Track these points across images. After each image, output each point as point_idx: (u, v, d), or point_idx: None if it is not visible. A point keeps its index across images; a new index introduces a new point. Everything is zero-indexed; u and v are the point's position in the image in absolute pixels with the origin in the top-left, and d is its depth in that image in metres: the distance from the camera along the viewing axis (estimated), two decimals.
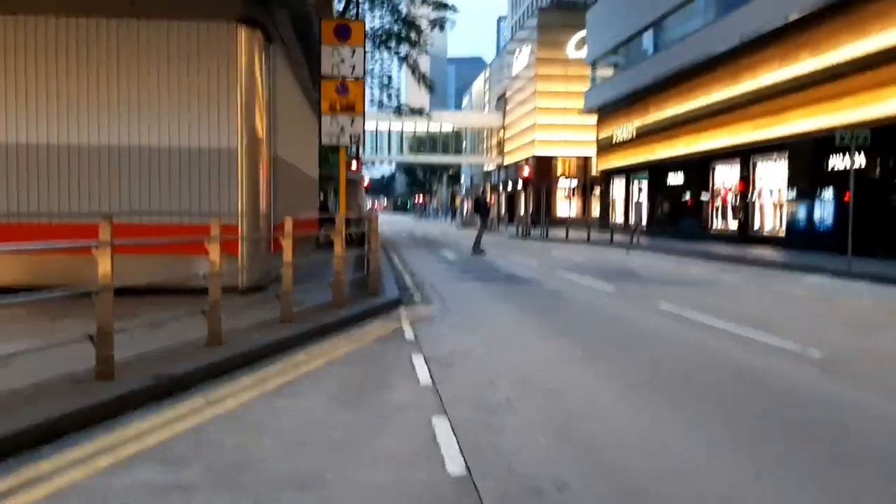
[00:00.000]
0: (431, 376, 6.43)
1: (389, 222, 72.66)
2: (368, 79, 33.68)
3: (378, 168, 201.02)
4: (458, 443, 4.62)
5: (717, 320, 9.57)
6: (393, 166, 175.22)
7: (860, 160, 21.11)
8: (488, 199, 27.11)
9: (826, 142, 23.81)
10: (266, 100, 11.14)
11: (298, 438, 4.74)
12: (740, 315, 10.41)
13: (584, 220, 45.73)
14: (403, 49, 32.84)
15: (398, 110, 35.58)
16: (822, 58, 25.00)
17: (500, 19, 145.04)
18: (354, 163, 38.79)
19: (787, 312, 11.02)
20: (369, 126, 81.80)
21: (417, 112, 35.82)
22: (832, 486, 4.02)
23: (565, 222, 45.55)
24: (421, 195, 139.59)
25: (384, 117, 78.12)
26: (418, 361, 7.01)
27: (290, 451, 4.51)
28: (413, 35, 32.12)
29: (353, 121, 10.95)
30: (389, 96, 35.37)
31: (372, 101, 37.20)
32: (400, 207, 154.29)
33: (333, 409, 5.46)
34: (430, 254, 24.14)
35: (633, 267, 19.18)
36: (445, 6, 33.05)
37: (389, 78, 34.73)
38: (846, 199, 24.23)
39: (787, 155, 28.00)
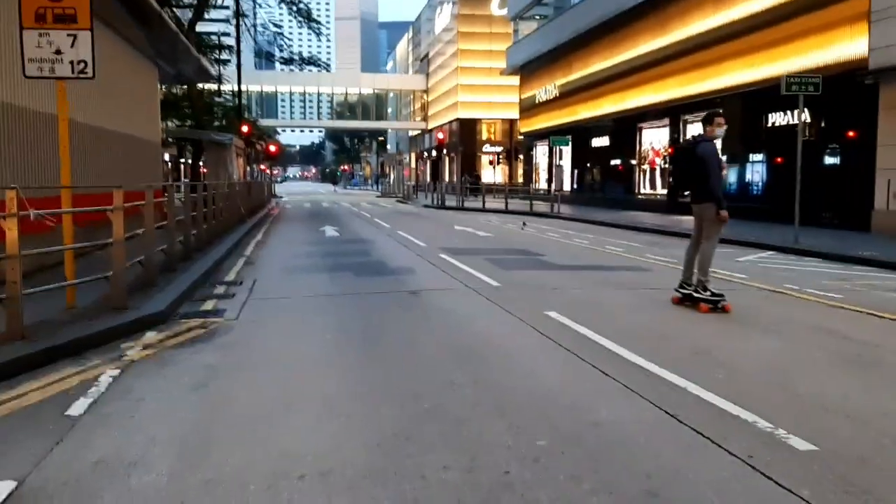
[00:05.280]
0: None
1: (304, 192, 68.00)
2: (248, 26, 29.13)
3: (309, 136, 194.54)
4: None
5: (625, 349, 6.09)
6: (323, 133, 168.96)
7: (806, 115, 18.09)
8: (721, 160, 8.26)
9: (765, 95, 20.81)
10: None
11: None
12: (662, 335, 6.98)
13: (512, 187, 42.19)
14: None
15: (289, 61, 31.12)
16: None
17: None
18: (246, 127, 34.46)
19: (743, 333, 7.65)
20: (295, 87, 76.40)
21: (314, 63, 31.47)
22: None
23: (491, 189, 42.28)
24: (349, 164, 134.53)
25: (311, 80, 73.05)
26: None
27: None
28: None
29: (75, 39, 6.96)
30: (280, 47, 30.88)
31: (262, 56, 32.70)
32: (329, 176, 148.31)
33: None
34: (309, 230, 20.25)
35: (539, 246, 15.73)
36: None
37: (278, 26, 30.19)
38: (779, 160, 21.43)
39: (721, 112, 24.88)
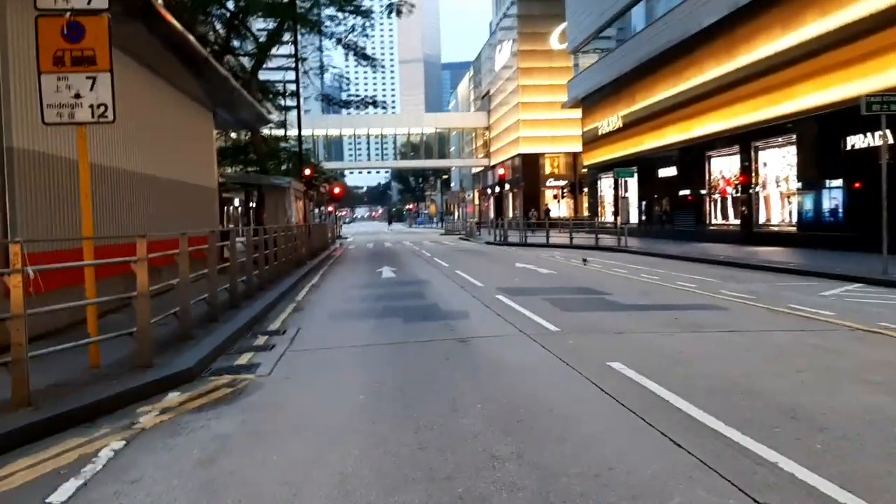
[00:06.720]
0: None
1: (369, 232, 68.31)
2: (305, 69, 29.31)
3: (375, 177, 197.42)
4: None
5: (699, 409, 5.24)
6: (389, 174, 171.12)
7: (889, 137, 16.77)
8: None
9: (842, 117, 19.54)
10: None
11: None
12: (744, 390, 6.05)
13: (577, 221, 41.21)
14: (345, 25, 28.31)
15: (348, 104, 31.28)
16: (832, 17, 20.65)
17: (491, 23, 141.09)
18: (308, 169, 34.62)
19: (848, 388, 6.66)
20: (360, 130, 77.44)
21: (371, 103, 31.51)
22: None
23: (555, 224, 41.44)
24: (414, 203, 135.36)
25: (375, 122, 73.96)
26: None
27: None
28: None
29: (94, 82, 6.63)
30: (340, 88, 31.07)
31: (321, 99, 32.91)
32: (395, 216, 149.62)
33: None
34: (367, 272, 19.78)
35: (604, 284, 14.81)
36: None
37: (337, 72, 30.44)
38: (857, 185, 20.00)
39: (794, 137, 23.60)
